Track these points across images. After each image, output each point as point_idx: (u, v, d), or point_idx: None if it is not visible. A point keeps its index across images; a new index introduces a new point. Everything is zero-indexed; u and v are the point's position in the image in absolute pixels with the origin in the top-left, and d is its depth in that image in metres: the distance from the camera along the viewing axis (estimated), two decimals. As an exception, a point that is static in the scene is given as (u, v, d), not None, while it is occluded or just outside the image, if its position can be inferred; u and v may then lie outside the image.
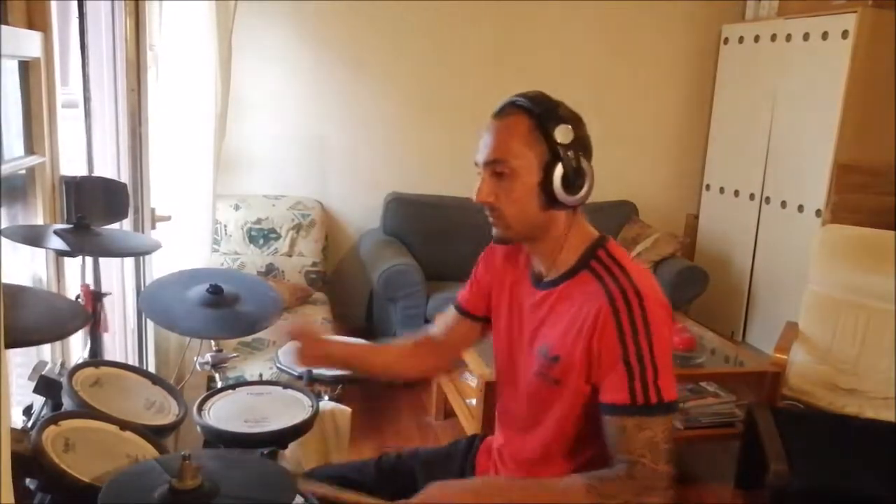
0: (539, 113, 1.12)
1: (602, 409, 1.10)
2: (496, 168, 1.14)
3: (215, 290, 1.49)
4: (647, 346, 1.06)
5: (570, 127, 1.12)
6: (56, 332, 1.17)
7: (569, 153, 1.11)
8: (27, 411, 1.28)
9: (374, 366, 1.43)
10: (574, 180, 1.12)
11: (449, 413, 2.90)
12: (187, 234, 2.24)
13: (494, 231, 1.19)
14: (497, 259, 1.36)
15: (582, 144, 1.14)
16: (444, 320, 1.44)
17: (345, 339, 1.46)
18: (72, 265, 1.66)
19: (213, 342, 1.70)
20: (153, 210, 2.11)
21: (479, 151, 1.16)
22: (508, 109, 1.15)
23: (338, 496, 1.17)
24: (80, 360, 1.53)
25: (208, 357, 1.67)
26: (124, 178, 1.94)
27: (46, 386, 1.22)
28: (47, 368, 1.26)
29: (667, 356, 1.09)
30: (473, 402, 2.57)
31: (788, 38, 3.51)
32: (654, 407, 1.06)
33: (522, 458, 1.27)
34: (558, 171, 1.11)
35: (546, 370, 1.17)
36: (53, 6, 1.49)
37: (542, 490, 1.11)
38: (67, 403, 1.18)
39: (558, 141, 1.11)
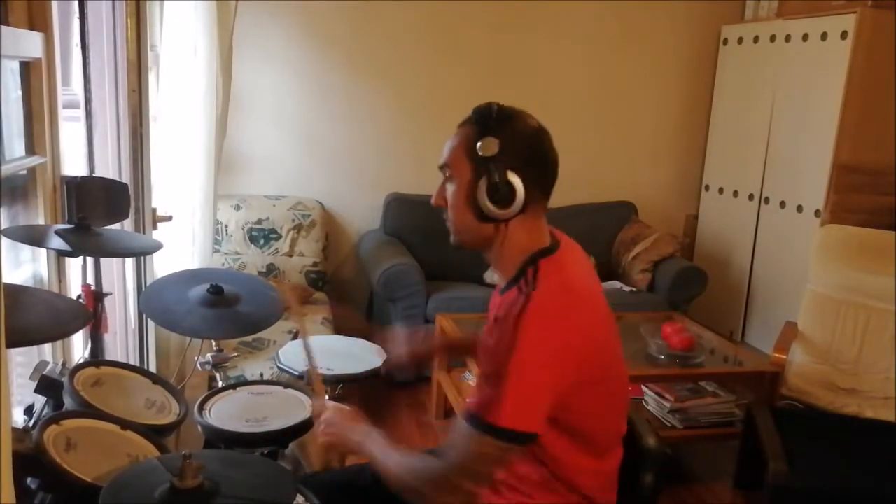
0: (476, 124, 1.14)
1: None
2: (444, 172, 1.18)
3: (216, 291, 1.49)
4: (505, 368, 1.04)
5: (495, 140, 1.10)
6: (57, 331, 1.18)
7: (491, 165, 1.10)
8: (28, 411, 1.28)
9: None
10: (496, 194, 1.11)
11: (449, 412, 2.91)
12: (188, 234, 2.24)
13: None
14: None
15: (515, 157, 1.11)
16: None
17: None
18: (73, 265, 1.66)
19: (213, 342, 1.70)
20: (154, 210, 2.12)
21: None
22: (466, 118, 1.18)
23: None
24: (82, 360, 1.53)
25: (209, 357, 1.67)
26: (125, 178, 1.94)
27: (48, 386, 1.22)
28: (48, 368, 1.26)
29: (527, 382, 1.03)
30: (473, 401, 2.57)
31: (788, 38, 3.51)
32: (485, 425, 1.04)
33: None
34: (481, 184, 1.11)
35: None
36: (54, 6, 1.49)
37: (389, 454, 1.16)
38: (68, 403, 1.18)
39: (479, 154, 1.11)
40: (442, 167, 1.19)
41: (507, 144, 1.11)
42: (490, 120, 1.13)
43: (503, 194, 1.11)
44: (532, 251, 1.17)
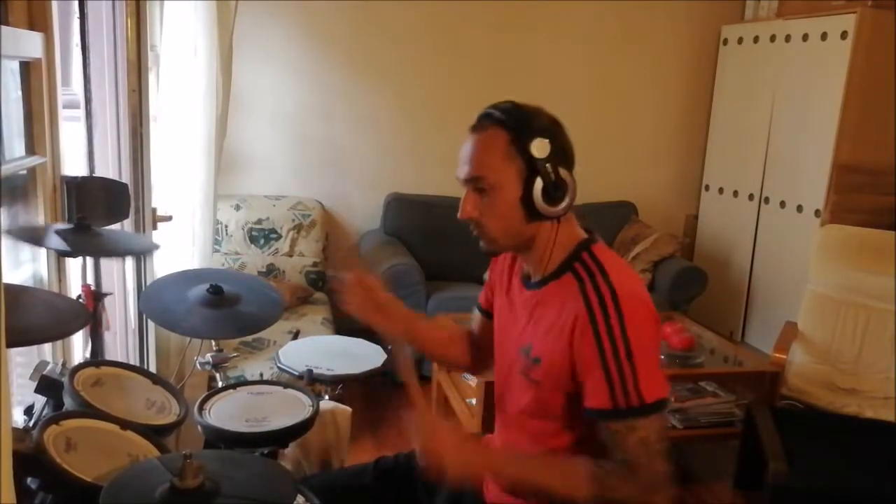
0: (514, 127, 1.11)
1: (588, 414, 1.11)
2: (477, 184, 1.14)
3: (216, 291, 1.49)
4: (625, 349, 1.06)
5: (546, 140, 1.10)
6: (57, 331, 1.18)
7: (546, 166, 1.10)
8: (28, 411, 1.28)
9: (436, 341, 1.45)
10: (554, 192, 1.11)
11: (449, 413, 2.90)
12: (188, 234, 2.24)
13: (481, 244, 1.19)
14: (499, 259, 1.37)
15: (560, 154, 1.12)
16: (473, 321, 1.48)
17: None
18: (73, 265, 1.66)
19: (213, 342, 1.70)
20: (154, 210, 2.12)
21: (459, 167, 1.16)
22: (485, 123, 1.14)
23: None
24: (82, 360, 1.53)
25: (209, 357, 1.67)
26: (125, 178, 1.94)
27: (48, 386, 1.22)
28: (48, 368, 1.26)
29: (648, 355, 1.08)
30: (473, 401, 2.57)
31: (788, 38, 3.51)
32: (638, 409, 1.06)
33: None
34: (538, 185, 1.10)
35: (528, 371, 1.18)
36: (54, 7, 1.49)
37: (547, 468, 1.11)
38: (69, 403, 1.18)
39: (535, 155, 1.10)
40: (472, 179, 1.13)
41: (555, 142, 1.11)
42: (527, 120, 1.12)
43: (560, 192, 1.12)
44: (579, 239, 1.18)
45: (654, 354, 1.10)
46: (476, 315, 1.46)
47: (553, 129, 1.13)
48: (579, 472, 1.08)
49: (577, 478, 1.07)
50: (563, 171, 1.12)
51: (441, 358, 1.52)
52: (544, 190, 1.10)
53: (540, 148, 1.10)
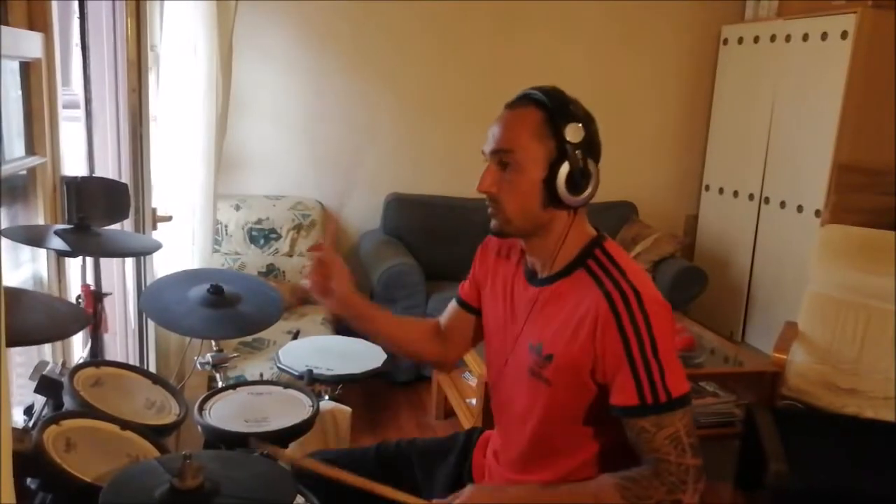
0: (552, 108, 1.11)
1: (616, 412, 1.10)
2: (502, 157, 1.13)
3: (216, 291, 1.49)
4: (651, 346, 1.06)
5: (580, 126, 1.10)
6: (55, 334, 1.17)
7: (576, 153, 1.10)
8: (28, 411, 1.28)
9: (396, 332, 1.39)
10: (578, 181, 1.11)
11: (449, 412, 2.91)
12: (188, 234, 2.24)
13: (493, 223, 1.18)
14: (490, 253, 1.35)
15: (590, 145, 1.13)
16: (447, 313, 1.44)
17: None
18: (73, 265, 1.66)
19: (213, 342, 1.70)
20: (154, 210, 2.12)
21: (487, 141, 1.15)
22: (522, 101, 1.14)
23: (339, 477, 1.15)
24: (81, 360, 1.53)
25: (209, 357, 1.67)
26: (125, 178, 1.94)
27: (47, 386, 1.22)
28: (48, 368, 1.26)
29: (671, 352, 1.08)
30: (473, 401, 2.57)
31: (788, 38, 3.51)
32: (666, 404, 1.06)
33: (516, 454, 1.26)
34: (564, 169, 1.10)
35: (538, 368, 1.16)
36: (54, 7, 1.49)
37: (575, 495, 1.10)
38: (68, 403, 1.18)
39: (567, 139, 1.10)
40: (497, 151, 1.13)
41: (588, 132, 1.12)
42: (566, 105, 1.12)
43: (581, 181, 1.11)
44: (591, 236, 1.18)
45: (675, 352, 1.11)
46: (452, 306, 1.42)
47: (589, 120, 1.14)
48: (607, 489, 1.07)
49: (608, 495, 1.07)
50: (590, 162, 1.12)
51: (400, 345, 1.41)
52: (569, 176, 1.10)
53: (574, 132, 1.10)
